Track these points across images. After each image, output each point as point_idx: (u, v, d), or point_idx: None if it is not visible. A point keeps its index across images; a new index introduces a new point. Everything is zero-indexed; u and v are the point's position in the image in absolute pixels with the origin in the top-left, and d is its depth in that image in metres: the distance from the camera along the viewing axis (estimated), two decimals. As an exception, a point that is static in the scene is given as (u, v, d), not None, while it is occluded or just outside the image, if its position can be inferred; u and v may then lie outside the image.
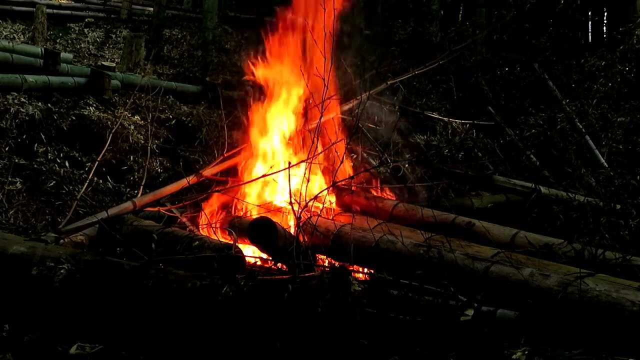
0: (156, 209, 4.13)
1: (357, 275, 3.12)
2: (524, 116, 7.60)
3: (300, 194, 3.50)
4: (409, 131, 6.82)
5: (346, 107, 5.49)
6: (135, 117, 6.37)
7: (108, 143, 4.90)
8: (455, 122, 7.09)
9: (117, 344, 2.50)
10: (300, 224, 3.36)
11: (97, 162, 4.75)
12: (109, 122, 5.94)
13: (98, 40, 11.32)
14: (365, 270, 3.42)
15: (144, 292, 2.48)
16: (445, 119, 7.15)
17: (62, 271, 2.58)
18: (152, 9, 12.39)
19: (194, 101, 7.71)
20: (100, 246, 3.64)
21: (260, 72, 4.75)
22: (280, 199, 4.33)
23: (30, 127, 5.52)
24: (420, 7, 12.10)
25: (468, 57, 9.35)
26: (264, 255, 3.57)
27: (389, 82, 6.46)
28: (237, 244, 3.36)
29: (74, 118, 5.93)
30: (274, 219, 3.72)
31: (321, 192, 3.68)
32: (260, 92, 4.76)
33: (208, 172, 4.62)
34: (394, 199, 4.83)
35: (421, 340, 2.26)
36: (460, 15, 13.53)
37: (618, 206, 4.27)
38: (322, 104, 3.83)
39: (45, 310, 2.65)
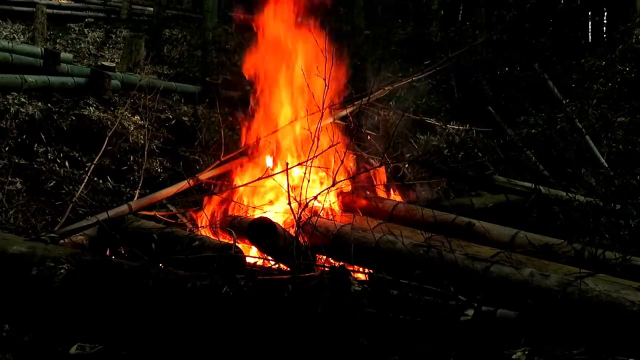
0: (152, 213, 4.13)
1: (357, 275, 3.12)
2: (524, 116, 7.58)
3: (301, 194, 3.50)
4: (409, 131, 6.82)
5: (347, 110, 5.48)
6: (135, 117, 6.37)
7: (106, 143, 4.91)
8: (454, 128, 7.09)
9: (117, 344, 2.50)
10: (300, 224, 3.36)
11: (94, 163, 4.77)
12: (109, 122, 5.95)
13: (98, 40, 11.32)
14: (365, 270, 3.42)
15: (144, 292, 2.48)
16: (441, 124, 7.14)
17: (62, 271, 2.58)
18: (152, 9, 12.40)
19: (194, 101, 7.71)
20: (101, 246, 3.64)
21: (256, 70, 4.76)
22: (280, 199, 4.32)
23: (30, 127, 5.52)
24: (420, 7, 12.09)
25: (468, 57, 9.35)
26: (264, 256, 3.57)
27: (387, 89, 6.47)
28: (237, 244, 3.36)
29: (74, 118, 5.93)
30: (275, 220, 3.72)
31: (321, 192, 3.68)
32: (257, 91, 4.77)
33: (205, 175, 4.62)
34: (394, 199, 4.83)
35: (421, 340, 2.26)
36: (460, 16, 13.52)
37: (618, 206, 4.26)
38: (322, 106, 3.83)
39: (45, 310, 2.65)
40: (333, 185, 3.69)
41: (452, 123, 7.31)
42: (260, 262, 3.58)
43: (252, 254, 3.72)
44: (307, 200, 3.46)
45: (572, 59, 9.22)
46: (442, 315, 2.38)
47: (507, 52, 9.81)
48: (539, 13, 10.71)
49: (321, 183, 4.37)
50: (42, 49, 7.52)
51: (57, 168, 5.07)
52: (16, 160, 4.95)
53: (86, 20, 12.57)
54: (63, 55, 7.43)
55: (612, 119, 6.91)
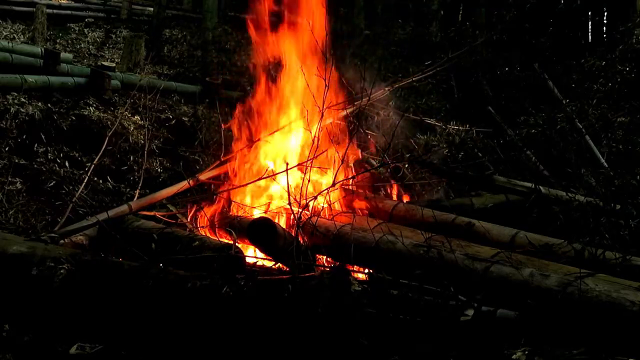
0: (152, 213, 4.14)
1: (357, 275, 3.12)
2: (524, 116, 7.59)
3: (301, 194, 3.50)
4: (409, 131, 6.82)
5: (347, 110, 5.48)
6: (135, 117, 6.37)
7: (106, 144, 4.92)
8: (454, 128, 7.10)
9: (117, 344, 2.50)
10: (300, 224, 3.36)
11: (94, 163, 4.78)
12: (109, 122, 5.95)
13: (98, 40, 11.32)
14: (365, 270, 3.42)
15: (143, 292, 2.48)
16: (441, 124, 7.14)
17: (62, 271, 2.58)
18: (152, 9, 12.40)
19: (194, 101, 7.72)
20: (101, 246, 3.64)
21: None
22: (280, 200, 4.32)
23: (30, 127, 5.52)
24: (420, 7, 12.11)
25: (468, 57, 9.36)
26: (264, 255, 3.57)
27: (387, 89, 6.45)
28: (237, 244, 3.36)
29: (74, 118, 5.93)
30: (275, 220, 3.72)
31: (320, 192, 3.68)
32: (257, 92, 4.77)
33: (204, 175, 4.62)
34: (395, 199, 4.83)
35: (421, 340, 2.26)
36: (460, 16, 13.53)
37: (618, 206, 4.25)
38: (322, 106, 3.83)
39: (45, 310, 2.65)
40: (333, 185, 3.69)
41: (452, 123, 7.31)
42: (260, 262, 3.58)
43: (252, 254, 3.72)
44: (307, 200, 3.46)
45: (572, 59, 9.22)
46: (442, 315, 2.38)
47: (507, 52, 9.82)
48: (539, 13, 10.72)
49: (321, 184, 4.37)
50: (42, 49, 7.52)
51: (57, 168, 5.07)
52: (16, 160, 4.95)
53: (86, 20, 12.57)
54: (63, 55, 7.43)
55: (612, 119, 6.90)
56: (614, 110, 7.17)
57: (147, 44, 9.82)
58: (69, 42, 10.71)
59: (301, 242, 3.42)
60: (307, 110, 4.17)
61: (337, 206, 4.37)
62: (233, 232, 3.67)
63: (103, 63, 7.94)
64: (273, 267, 3.37)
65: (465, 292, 2.63)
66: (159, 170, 5.63)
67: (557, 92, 7.68)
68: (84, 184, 4.54)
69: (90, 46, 10.74)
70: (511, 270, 2.80)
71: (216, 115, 6.29)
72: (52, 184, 4.81)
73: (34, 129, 5.50)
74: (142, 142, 5.69)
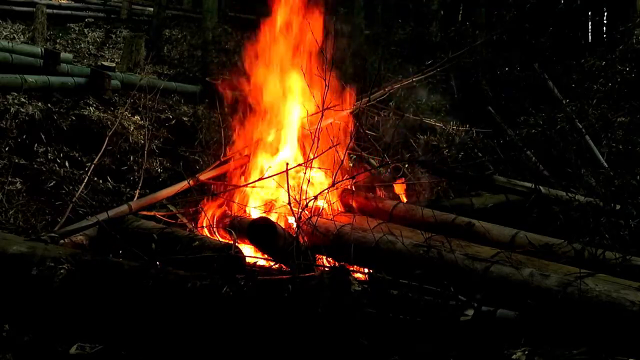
0: (152, 213, 4.14)
1: (357, 275, 3.12)
2: (524, 116, 7.59)
3: (301, 195, 3.50)
4: (409, 132, 6.82)
5: (347, 110, 5.48)
6: (135, 117, 6.37)
7: (106, 143, 4.92)
8: (454, 128, 7.10)
9: (117, 344, 2.50)
10: (300, 224, 3.36)
11: (94, 163, 4.78)
12: (109, 122, 5.95)
13: (98, 40, 11.33)
14: (365, 270, 3.42)
15: (143, 292, 2.48)
16: (441, 124, 7.14)
17: (62, 271, 2.58)
18: (152, 9, 12.41)
19: (194, 101, 7.72)
20: (101, 246, 3.64)
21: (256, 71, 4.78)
22: (280, 200, 4.32)
23: (30, 127, 5.52)
24: (420, 7, 12.12)
25: (468, 57, 9.36)
26: (265, 256, 3.57)
27: (387, 89, 6.45)
28: (237, 244, 3.36)
29: (74, 118, 5.93)
30: (275, 220, 3.72)
31: (320, 192, 3.68)
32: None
33: (205, 176, 4.63)
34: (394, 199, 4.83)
35: (421, 340, 2.26)
36: (460, 16, 13.54)
37: (618, 206, 4.25)
38: (322, 106, 3.83)
39: (45, 310, 2.65)
40: (333, 185, 3.69)
41: (452, 123, 7.31)
42: (260, 262, 3.58)
43: (252, 254, 3.72)
44: (307, 200, 3.46)
45: (572, 59, 9.22)
46: (442, 315, 2.38)
47: (507, 52, 9.83)
48: (539, 13, 10.72)
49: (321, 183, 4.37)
50: (42, 49, 7.52)
51: (57, 168, 5.07)
52: (16, 160, 4.95)
53: (86, 20, 12.58)
54: (63, 55, 7.43)
55: (612, 119, 6.90)
56: (614, 110, 7.17)
57: (147, 44, 9.83)
58: (69, 42, 10.71)
59: (301, 242, 3.42)
60: (307, 111, 4.18)
61: (337, 206, 4.38)
62: (233, 232, 3.67)
63: (103, 63, 7.94)
64: (273, 267, 3.37)
65: (465, 292, 2.63)
66: (159, 170, 5.63)
67: (557, 92, 7.68)
68: (84, 184, 4.54)
69: (90, 46, 10.74)
70: (511, 270, 2.80)
71: (216, 115, 6.29)
72: (52, 184, 4.81)
73: (34, 129, 5.50)
74: (142, 142, 5.68)
